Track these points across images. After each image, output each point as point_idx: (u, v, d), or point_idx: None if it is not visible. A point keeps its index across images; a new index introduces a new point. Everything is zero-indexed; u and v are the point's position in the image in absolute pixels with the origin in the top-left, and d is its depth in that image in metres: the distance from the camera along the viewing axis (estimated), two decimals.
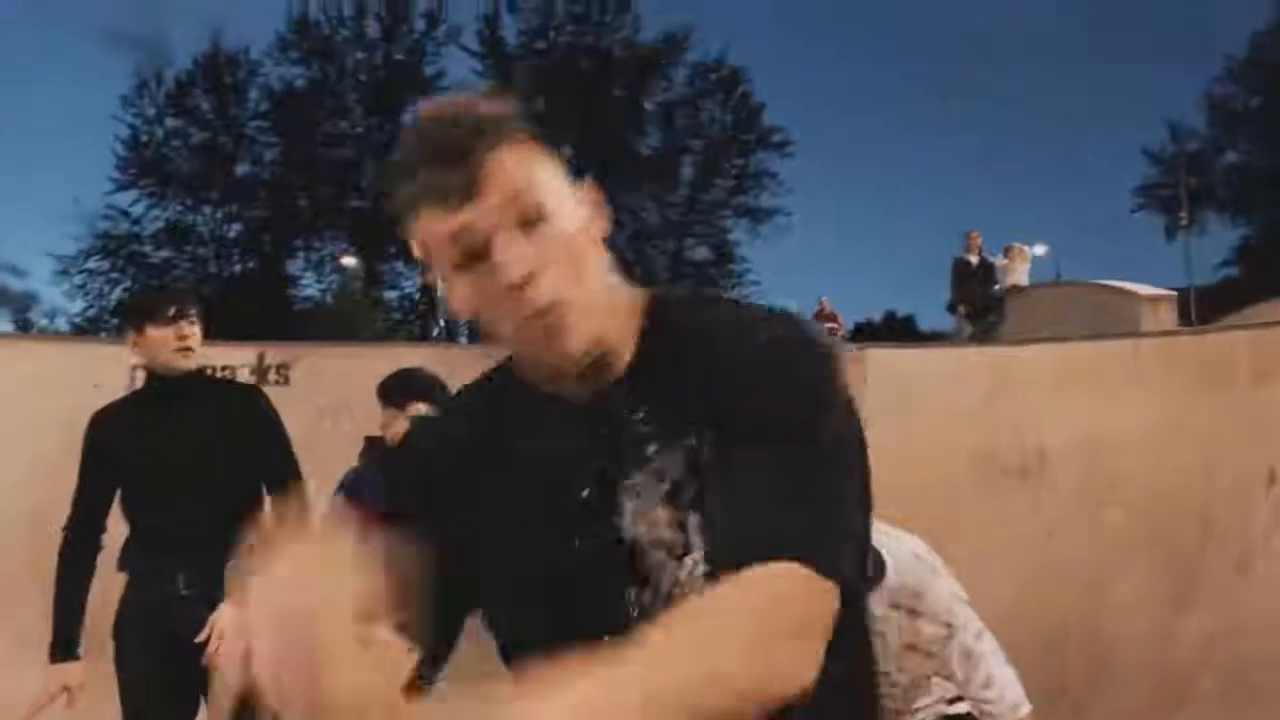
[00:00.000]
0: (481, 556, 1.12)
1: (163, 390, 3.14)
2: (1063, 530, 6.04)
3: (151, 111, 35.64)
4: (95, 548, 3.15)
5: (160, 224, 36.06)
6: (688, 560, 1.03)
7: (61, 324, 37.42)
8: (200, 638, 2.98)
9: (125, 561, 3.21)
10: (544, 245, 1.01)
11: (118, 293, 35.60)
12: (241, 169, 36.95)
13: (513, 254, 0.99)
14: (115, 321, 35.05)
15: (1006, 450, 6.45)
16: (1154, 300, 10.60)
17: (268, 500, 3.21)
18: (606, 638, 0.95)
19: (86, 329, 36.20)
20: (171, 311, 3.07)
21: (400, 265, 36.44)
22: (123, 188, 35.33)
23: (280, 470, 3.20)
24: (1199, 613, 5.55)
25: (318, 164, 35.80)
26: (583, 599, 1.06)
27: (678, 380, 1.06)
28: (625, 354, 1.10)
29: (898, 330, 50.47)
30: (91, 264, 35.21)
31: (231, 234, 37.16)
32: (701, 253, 39.38)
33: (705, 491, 1.02)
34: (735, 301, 1.22)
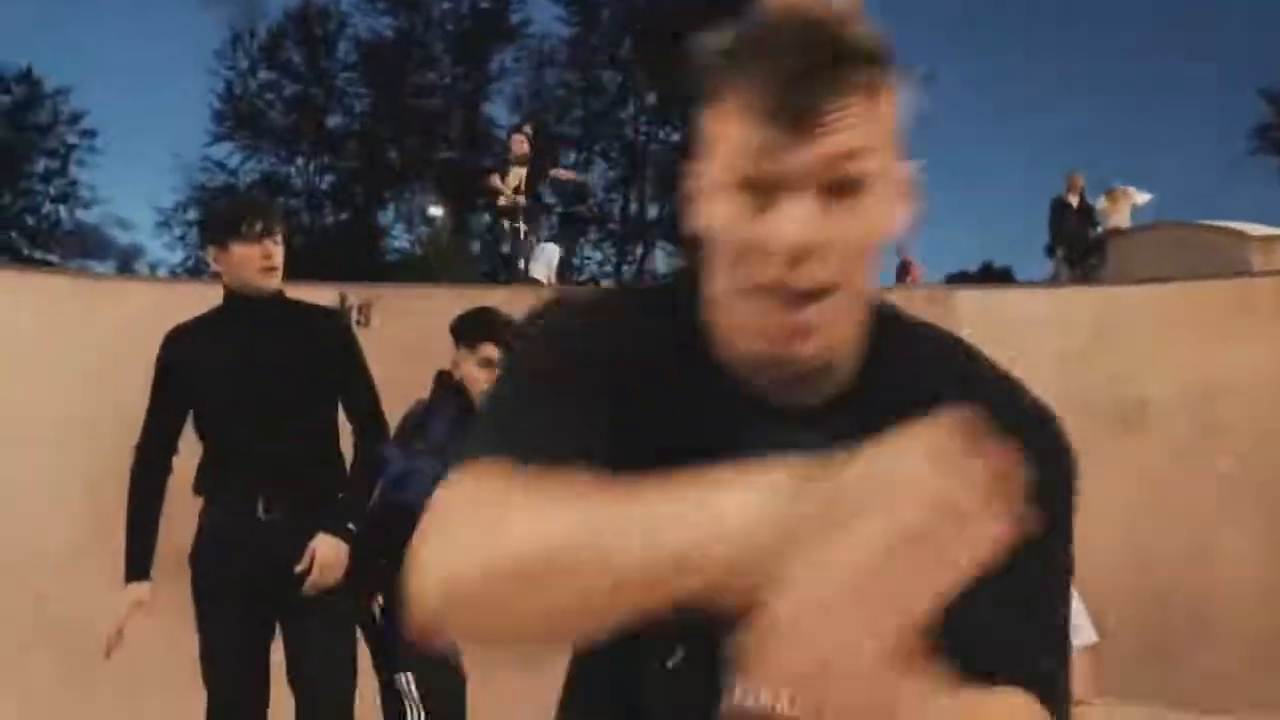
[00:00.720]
0: None
1: (244, 310, 3.04)
2: (1165, 481, 5.81)
3: (245, 64, 36.34)
4: (167, 468, 3.09)
5: (255, 176, 36.86)
6: None
7: (163, 273, 38.66)
8: (301, 566, 2.93)
9: (202, 484, 3.12)
10: (845, 217, 0.83)
11: None
12: (332, 121, 37.49)
13: (812, 218, 0.82)
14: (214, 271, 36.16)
15: (1106, 398, 6.20)
16: (1265, 240, 10.07)
17: (349, 425, 3.17)
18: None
19: (189, 277, 37.36)
20: (259, 228, 2.96)
21: (487, 216, 36.74)
22: (218, 140, 36.13)
23: (360, 396, 3.14)
24: None
25: (406, 115, 36.11)
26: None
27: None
28: (846, 366, 0.93)
29: (995, 280, 49.26)
30: (190, 215, 36.18)
31: (324, 185, 37.80)
32: None
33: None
34: (971, 346, 1.04)
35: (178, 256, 37.92)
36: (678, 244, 37.77)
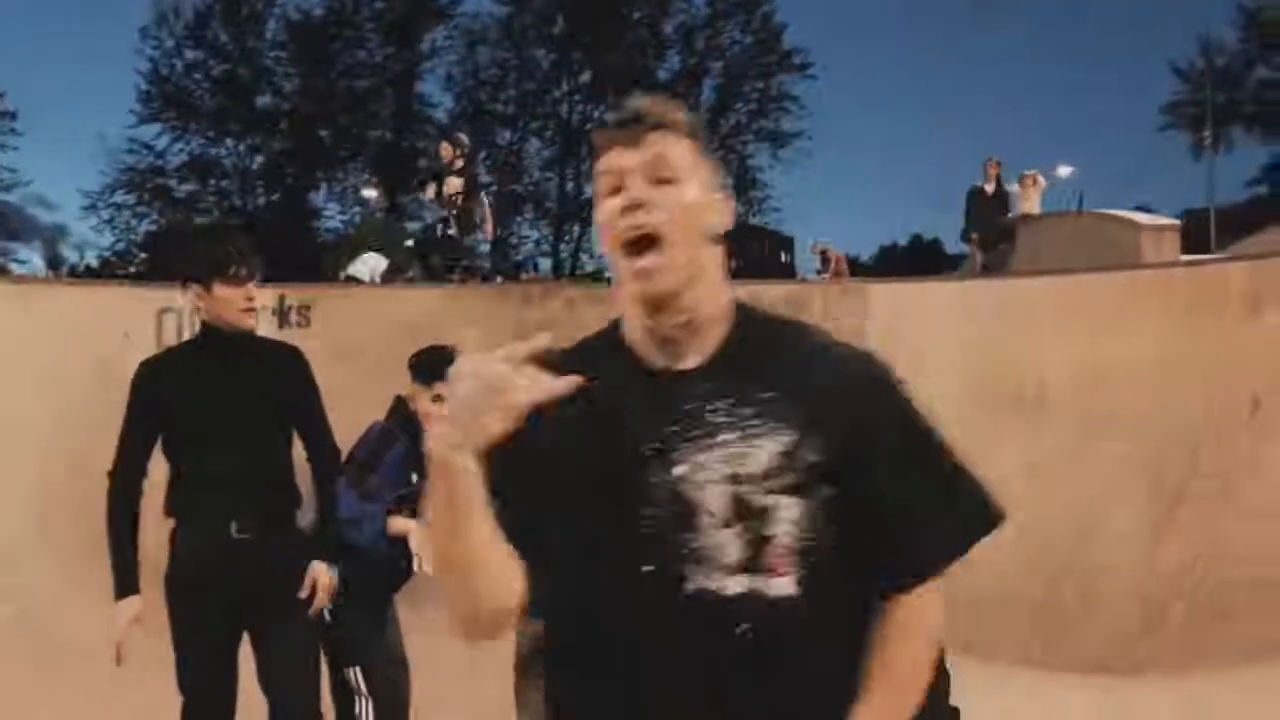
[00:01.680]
0: (549, 478, 1.40)
1: (219, 344, 3.22)
2: (1057, 460, 6.24)
3: (171, 44, 35.66)
4: (140, 491, 3.25)
5: (184, 157, 36.27)
6: (728, 531, 1.33)
7: (90, 258, 37.92)
8: (303, 593, 3.19)
9: (173, 506, 3.28)
10: (665, 196, 1.38)
11: (144, 225, 36.02)
12: (261, 101, 36.98)
13: (636, 189, 1.38)
14: (143, 256, 35.54)
15: (1006, 384, 6.64)
16: (1157, 230, 10.69)
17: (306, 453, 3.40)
18: (646, 555, 1.33)
19: (115, 261, 36.70)
20: (244, 272, 3.16)
21: (421, 196, 36.56)
22: (145, 121, 35.50)
23: (318, 427, 3.37)
24: (1182, 540, 5.76)
25: (337, 95, 35.77)
26: (629, 517, 1.35)
27: (768, 384, 1.38)
28: (711, 341, 1.42)
29: (921, 253, 50.10)
30: (118, 198, 35.58)
31: (254, 166, 37.33)
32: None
33: (846, 506, 1.37)
34: (816, 328, 1.52)
35: (106, 239, 37.29)
36: None
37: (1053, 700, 4.96)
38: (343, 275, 12.43)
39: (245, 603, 3.16)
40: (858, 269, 37.25)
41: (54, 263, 37.22)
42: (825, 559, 1.35)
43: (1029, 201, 12.54)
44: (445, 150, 10.81)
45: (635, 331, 1.43)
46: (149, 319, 7.16)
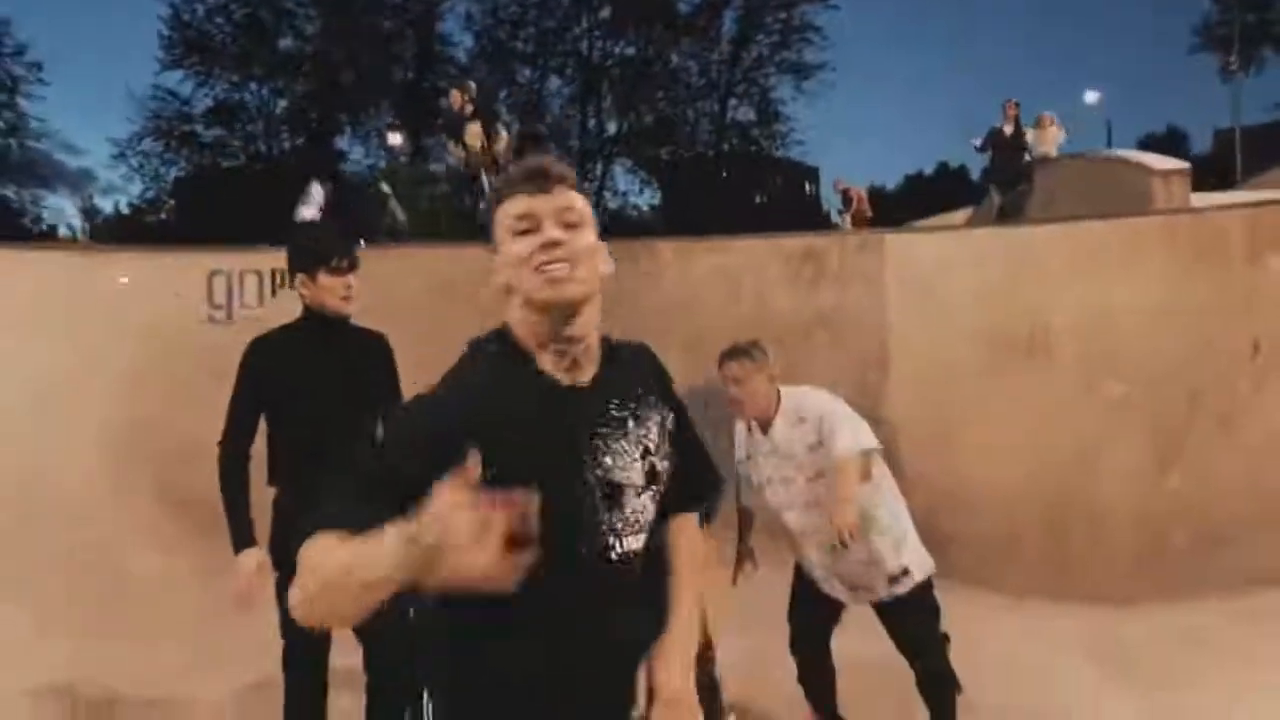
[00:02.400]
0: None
1: (320, 328, 3.54)
2: (1064, 401, 6.54)
3: None
4: (249, 456, 3.54)
5: (209, 103, 36.47)
6: (644, 495, 1.71)
7: (123, 205, 38.37)
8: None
9: (277, 476, 3.57)
10: (571, 237, 1.64)
11: (173, 172, 36.40)
12: (284, 44, 37.00)
13: (554, 230, 1.64)
14: (172, 203, 36.00)
15: (1016, 330, 6.91)
16: (1166, 174, 10.80)
17: None
18: (583, 540, 1.63)
19: (145, 209, 37.18)
20: (346, 264, 3.49)
21: (443, 134, 36.65)
22: (168, 68, 35.64)
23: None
24: (1182, 476, 6.08)
25: (359, 36, 35.71)
26: (571, 514, 1.62)
27: (634, 383, 1.77)
28: (593, 360, 1.72)
29: (947, 182, 49.73)
30: (145, 145, 35.90)
31: (278, 111, 37.48)
32: (745, 112, 38.96)
33: (676, 453, 1.80)
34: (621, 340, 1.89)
35: (136, 188, 37.72)
36: (639, 159, 37.93)
37: (1056, 628, 5.33)
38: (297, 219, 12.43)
39: None
40: (884, 199, 37.10)
41: (89, 213, 37.74)
42: (667, 492, 1.78)
43: (1046, 143, 12.65)
44: (455, 98, 10.92)
45: (543, 357, 1.68)
46: (200, 281, 7.53)
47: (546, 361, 1.67)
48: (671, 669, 1.72)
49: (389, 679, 3.62)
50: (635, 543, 1.68)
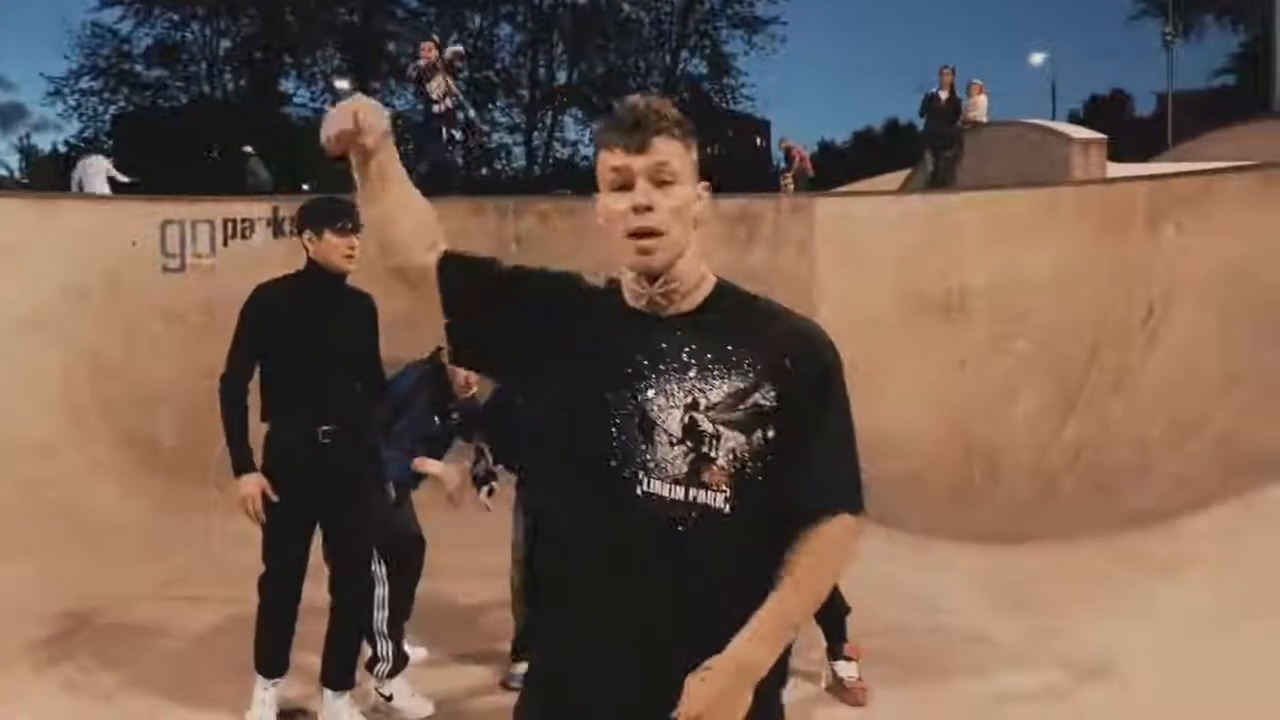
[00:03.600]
0: (536, 366, 1.72)
1: (321, 282, 3.84)
2: (975, 356, 7.06)
3: None
4: (247, 391, 3.83)
5: (149, 41, 35.71)
6: (679, 447, 1.58)
7: (60, 144, 37.57)
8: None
9: (270, 413, 3.89)
10: (663, 198, 1.61)
11: (111, 112, 35.69)
12: None
13: (644, 194, 1.60)
14: (111, 143, 35.32)
15: (935, 291, 7.39)
16: (1085, 143, 11.37)
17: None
18: (610, 463, 1.58)
19: (83, 148, 36.43)
20: (350, 225, 3.73)
21: (393, 83, 36.33)
22: (108, 5, 34.80)
23: (375, 363, 4.06)
24: (1077, 426, 6.62)
25: None
26: (598, 436, 1.60)
27: (730, 339, 1.63)
28: (689, 303, 1.67)
29: (898, 137, 50.21)
30: (84, 84, 35.14)
31: (221, 51, 36.80)
32: (696, 66, 39.03)
33: (780, 446, 1.60)
34: (778, 305, 1.75)
35: (74, 126, 36.89)
36: (588, 108, 37.81)
37: (954, 562, 5.85)
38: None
39: (323, 493, 3.79)
40: (833, 156, 37.36)
41: (25, 152, 36.90)
42: (751, 486, 1.58)
43: (976, 110, 13.12)
44: (426, 51, 11.23)
45: (628, 288, 1.69)
46: (154, 229, 7.76)
47: (629, 290, 1.70)
48: (743, 637, 1.54)
49: (352, 600, 3.98)
50: (663, 489, 1.57)
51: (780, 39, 38.62)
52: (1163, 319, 6.72)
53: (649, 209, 1.61)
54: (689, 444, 1.58)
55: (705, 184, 1.70)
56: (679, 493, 1.57)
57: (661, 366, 1.61)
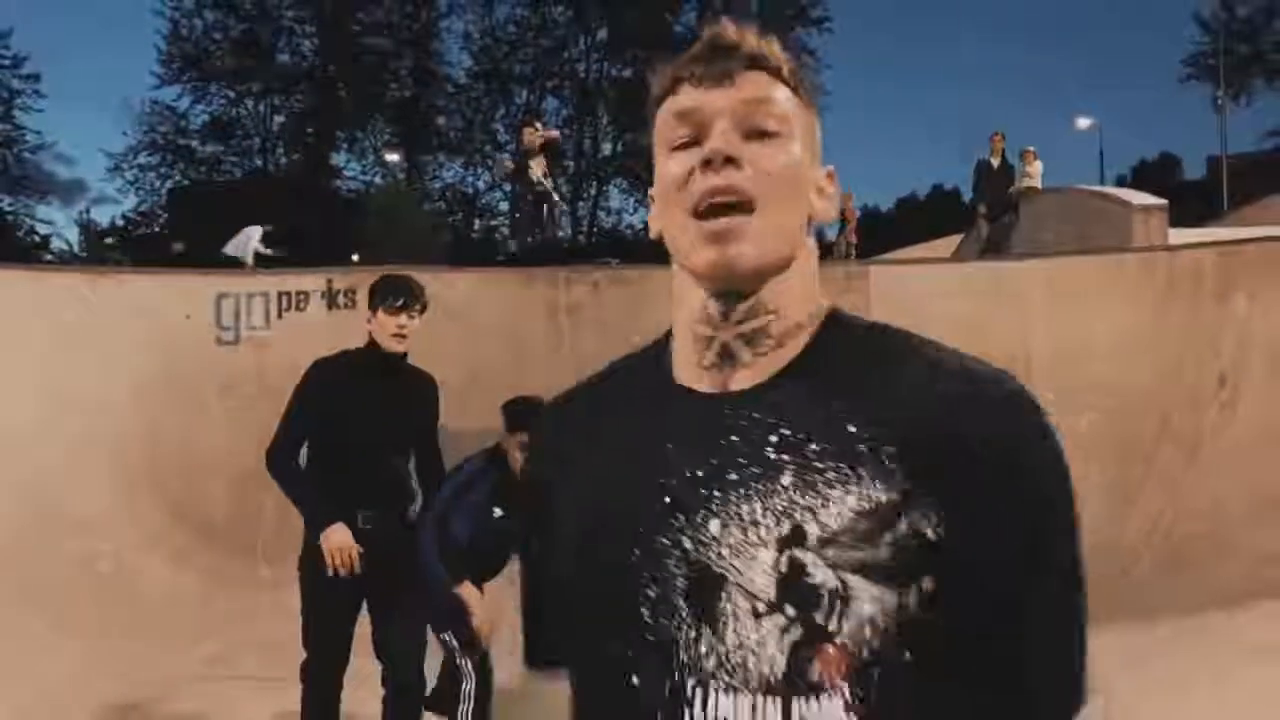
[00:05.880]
0: (553, 528, 1.06)
1: (374, 360, 3.76)
2: None
3: (190, 4, 35.93)
4: (297, 460, 3.77)
5: (205, 118, 36.73)
6: (769, 620, 0.88)
7: (117, 217, 38.56)
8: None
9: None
10: (759, 153, 0.98)
11: (167, 185, 36.65)
12: (281, 59, 37.32)
13: (725, 139, 0.97)
14: (166, 216, 36.23)
15: (998, 360, 7.18)
16: (1145, 209, 11.20)
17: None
18: (644, 661, 0.93)
19: (139, 222, 37.39)
20: (400, 303, 3.69)
21: (442, 156, 37.01)
22: (166, 83, 35.90)
23: (432, 448, 3.99)
24: (1149, 500, 6.37)
25: (355, 54, 36.06)
26: (628, 613, 0.95)
27: (858, 414, 0.92)
28: (784, 357, 0.99)
29: (941, 202, 50.16)
30: (141, 159, 36.12)
31: (275, 127, 37.75)
32: None
33: (949, 610, 0.88)
34: (939, 344, 1.04)
35: (131, 201, 37.87)
36: (632, 179, 38.25)
37: None
38: (223, 254, 12.95)
39: (367, 581, 3.65)
40: (880, 219, 37.24)
41: (85, 227, 37.89)
42: (896, 678, 0.88)
43: (1030, 177, 13.02)
44: (531, 135, 11.59)
45: (686, 336, 1.02)
46: (208, 302, 7.79)
47: (688, 340, 1.02)
48: None
49: (405, 693, 3.84)
50: (756, 707, 0.88)
51: (824, 106, 38.69)
52: (1236, 388, 6.50)
53: (732, 162, 0.96)
54: (791, 611, 0.87)
55: (830, 171, 1.07)
56: (771, 709, 0.88)
57: (732, 476, 0.92)
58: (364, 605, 3.81)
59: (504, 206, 35.04)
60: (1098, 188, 13.36)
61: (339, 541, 3.58)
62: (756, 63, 1.01)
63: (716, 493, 0.92)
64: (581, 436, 1.08)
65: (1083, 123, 39.21)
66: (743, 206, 0.95)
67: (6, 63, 35.10)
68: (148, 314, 7.50)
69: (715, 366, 0.99)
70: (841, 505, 0.88)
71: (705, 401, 0.98)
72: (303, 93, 37.17)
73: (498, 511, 4.03)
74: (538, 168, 11.15)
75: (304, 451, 3.85)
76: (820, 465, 0.90)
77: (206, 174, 37.37)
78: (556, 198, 11.77)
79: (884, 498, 0.88)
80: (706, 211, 0.96)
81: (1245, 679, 4.67)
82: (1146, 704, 4.61)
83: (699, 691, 0.90)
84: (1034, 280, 7.53)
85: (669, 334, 1.06)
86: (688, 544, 0.92)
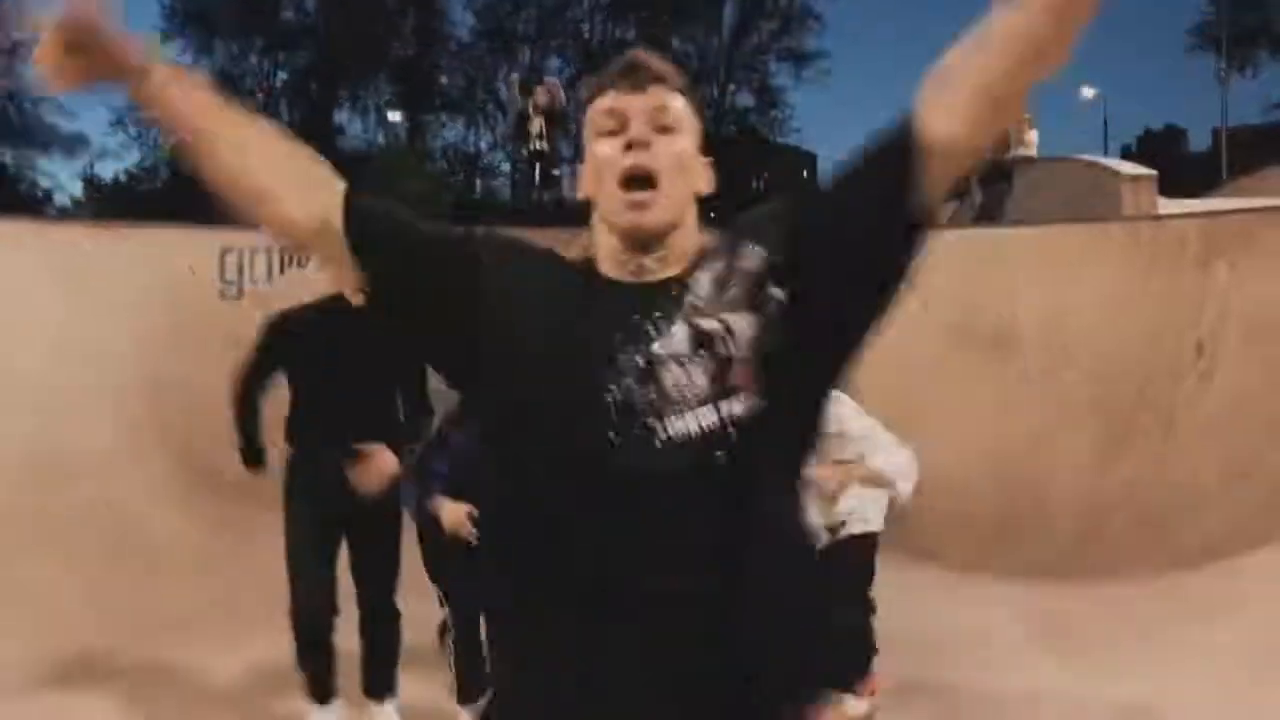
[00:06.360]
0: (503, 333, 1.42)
1: (343, 309, 3.86)
2: (1022, 391, 7.02)
3: None
4: (262, 388, 3.99)
5: (209, 73, 36.59)
6: (691, 364, 1.34)
7: (121, 174, 38.57)
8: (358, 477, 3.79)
9: (292, 436, 3.95)
10: (661, 142, 1.43)
11: (171, 140, 36.59)
12: (285, 16, 37.17)
13: (640, 131, 1.42)
14: (169, 173, 36.27)
15: (981, 325, 7.37)
16: (1135, 179, 11.31)
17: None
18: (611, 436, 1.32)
19: (144, 177, 37.41)
20: None
21: (444, 116, 36.94)
22: (168, 37, 35.76)
23: (416, 390, 4.00)
24: (1125, 463, 6.55)
25: (359, 13, 35.88)
26: (594, 385, 1.35)
27: (729, 267, 1.42)
28: (681, 266, 1.44)
29: None
30: (144, 114, 36.05)
31: (278, 83, 37.68)
32: (744, 98, 39.27)
33: (801, 299, 1.36)
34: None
35: (134, 155, 37.85)
36: None
37: (997, 599, 5.79)
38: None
39: (350, 514, 3.82)
40: None
41: (89, 181, 37.87)
42: (788, 368, 1.35)
43: (1025, 145, 13.07)
44: (539, 94, 11.65)
45: (607, 259, 1.46)
46: (213, 256, 7.94)
47: (610, 261, 1.47)
48: None
49: (379, 616, 4.03)
50: (683, 423, 1.32)
51: (827, 71, 38.70)
52: (1214, 358, 6.65)
53: (646, 146, 1.41)
54: (702, 352, 1.34)
55: (708, 160, 1.51)
56: (709, 416, 1.31)
57: (656, 313, 1.38)
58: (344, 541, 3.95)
59: (506, 167, 35.37)
60: (1089, 157, 13.43)
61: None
62: (662, 79, 1.47)
63: (648, 322, 1.38)
64: (533, 283, 1.47)
65: (1087, 93, 39.06)
66: (650, 180, 1.40)
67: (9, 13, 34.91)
68: (151, 267, 7.64)
69: (636, 275, 1.43)
70: (709, 284, 1.39)
71: (633, 286, 1.43)
72: (305, 49, 37.06)
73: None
74: (535, 124, 11.20)
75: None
76: (710, 302, 1.39)
77: None
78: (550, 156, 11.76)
79: (747, 269, 1.40)
80: (628, 182, 1.41)
81: (1212, 636, 4.87)
82: (1126, 658, 4.84)
83: (659, 422, 1.32)
84: (1019, 248, 7.68)
85: (590, 258, 1.49)
86: (637, 353, 1.35)
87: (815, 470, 3.51)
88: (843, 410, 3.87)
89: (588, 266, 1.48)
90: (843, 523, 4.10)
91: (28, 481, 6.32)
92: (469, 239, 1.52)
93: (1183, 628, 5.06)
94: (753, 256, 1.40)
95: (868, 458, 3.96)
